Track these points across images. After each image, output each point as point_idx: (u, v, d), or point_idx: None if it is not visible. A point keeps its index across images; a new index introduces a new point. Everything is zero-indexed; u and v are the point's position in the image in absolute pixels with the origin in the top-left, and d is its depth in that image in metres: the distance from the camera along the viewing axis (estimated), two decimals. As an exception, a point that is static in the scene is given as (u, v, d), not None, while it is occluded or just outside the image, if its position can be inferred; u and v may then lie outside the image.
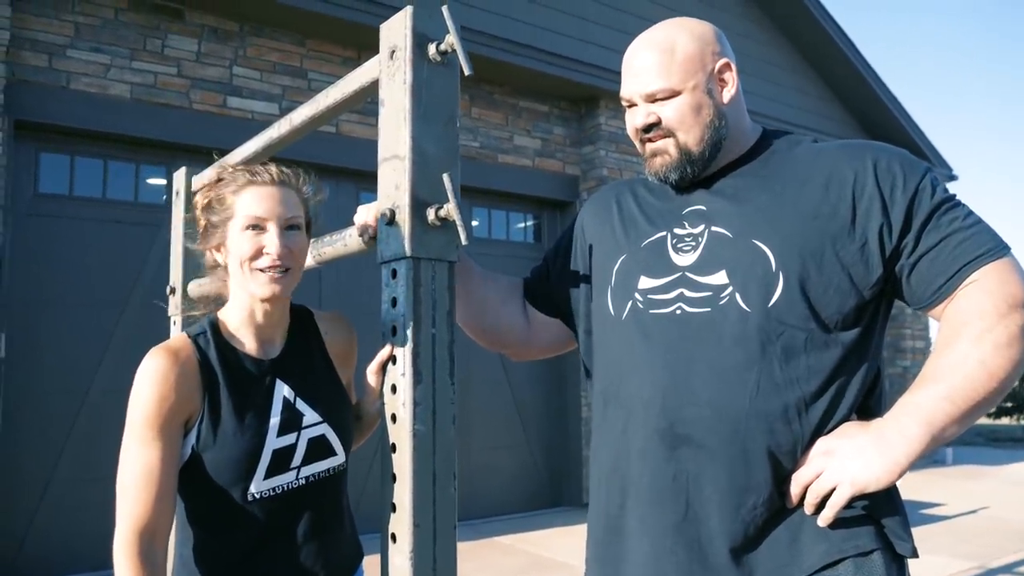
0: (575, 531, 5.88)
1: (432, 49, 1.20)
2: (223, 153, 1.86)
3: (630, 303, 1.36)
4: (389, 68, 1.23)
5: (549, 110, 7.08)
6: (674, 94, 1.33)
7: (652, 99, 1.35)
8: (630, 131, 1.42)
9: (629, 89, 1.39)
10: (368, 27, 5.44)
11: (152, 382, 1.27)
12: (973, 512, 6.67)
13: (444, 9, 1.20)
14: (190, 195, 1.99)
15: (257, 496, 1.32)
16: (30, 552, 4.59)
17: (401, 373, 1.18)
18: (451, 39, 1.18)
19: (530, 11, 6.56)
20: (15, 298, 4.62)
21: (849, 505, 1.19)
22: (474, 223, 6.84)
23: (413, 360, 1.17)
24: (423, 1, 1.42)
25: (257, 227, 1.34)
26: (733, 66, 1.38)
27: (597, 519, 1.39)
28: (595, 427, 1.43)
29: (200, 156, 5.02)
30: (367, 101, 1.42)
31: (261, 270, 1.34)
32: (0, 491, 4.48)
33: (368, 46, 5.71)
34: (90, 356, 4.84)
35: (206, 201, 1.41)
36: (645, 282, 1.35)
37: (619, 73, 1.45)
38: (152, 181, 5.28)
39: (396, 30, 1.22)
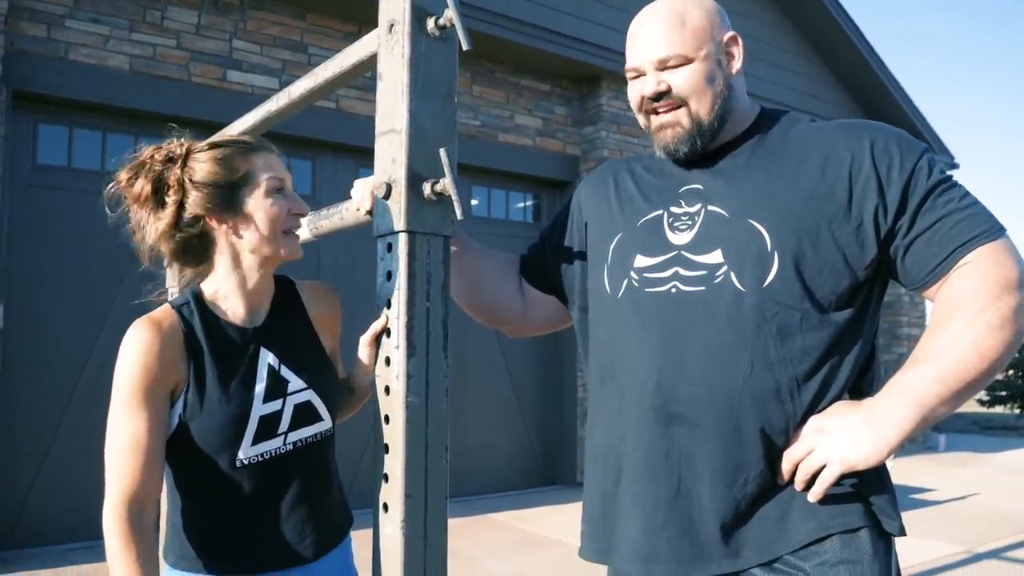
0: (568, 509, 5.93)
1: (431, 23, 1.20)
2: (220, 126, 1.86)
3: (626, 281, 1.36)
4: (388, 42, 1.23)
5: (551, 89, 7.05)
6: (686, 61, 1.32)
7: (663, 66, 1.33)
8: (635, 102, 1.40)
9: (638, 57, 1.36)
10: (369, 1, 5.40)
11: (137, 352, 1.28)
12: (963, 498, 6.72)
13: (443, -17, 1.19)
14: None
15: (245, 462, 1.34)
16: (27, 523, 4.62)
17: (395, 346, 1.19)
18: (450, 13, 1.18)
19: (533, -11, 6.52)
20: (13, 270, 4.63)
21: (838, 483, 1.21)
22: (473, 202, 6.84)
23: (407, 333, 1.17)
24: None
25: (281, 190, 1.40)
26: (740, 40, 1.38)
27: (591, 496, 1.40)
28: (591, 405, 1.44)
29: (199, 129, 4.99)
30: (366, 75, 1.42)
31: (286, 232, 1.39)
32: (0, 461, 4.51)
33: (369, 21, 5.67)
34: (88, 329, 4.85)
35: (212, 170, 1.36)
36: (641, 260, 1.35)
37: (622, 53, 1.44)
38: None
39: (395, 3, 1.22)
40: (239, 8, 5.39)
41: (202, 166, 1.37)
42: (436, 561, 1.17)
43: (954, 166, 10.66)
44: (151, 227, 1.39)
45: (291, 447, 1.39)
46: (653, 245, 1.35)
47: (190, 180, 1.36)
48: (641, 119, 1.41)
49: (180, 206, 1.37)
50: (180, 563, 1.37)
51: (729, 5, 1.64)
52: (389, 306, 1.21)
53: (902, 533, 1.25)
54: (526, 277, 1.64)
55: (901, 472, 7.77)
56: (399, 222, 1.18)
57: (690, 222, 1.33)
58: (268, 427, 1.36)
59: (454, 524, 5.49)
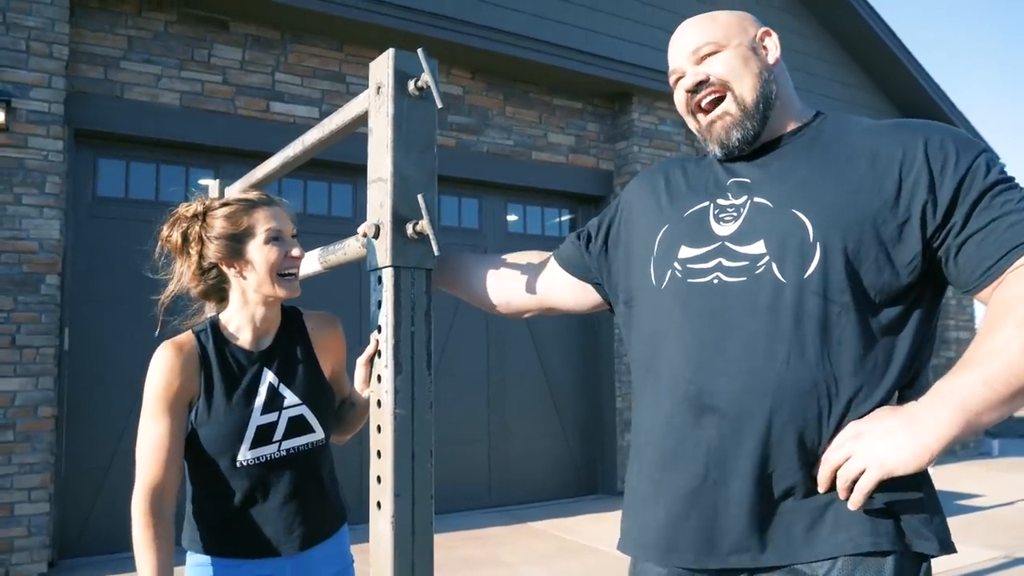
0: (606, 518, 6.05)
1: (411, 85, 1.39)
2: (266, 155, 2.08)
3: (670, 272, 1.36)
4: (376, 102, 1.42)
5: (583, 107, 7.22)
6: (719, 48, 1.36)
7: (698, 58, 1.38)
8: (681, 105, 1.42)
9: (675, 58, 1.41)
10: (402, 32, 5.66)
11: (161, 370, 1.58)
12: (1011, 504, 6.62)
13: (420, 52, 1.38)
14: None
15: (244, 463, 1.61)
16: (93, 531, 4.95)
17: (384, 365, 1.37)
18: (426, 77, 1.37)
19: (563, 10, 6.69)
20: (77, 295, 4.98)
21: (877, 491, 1.16)
22: (510, 218, 7.03)
23: (394, 354, 1.36)
24: (407, 48, 1.60)
25: (278, 238, 1.64)
26: (774, 34, 1.41)
27: (628, 484, 1.42)
28: (635, 396, 1.44)
29: (246, 159, 5.30)
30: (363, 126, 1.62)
31: (283, 276, 1.63)
32: (67, 473, 4.85)
33: (403, 48, 5.92)
34: (145, 350, 5.14)
35: (222, 225, 1.64)
36: (685, 251, 1.35)
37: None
38: (202, 183, 5.59)
39: (381, 69, 1.41)
40: (280, 43, 5.70)
41: (216, 222, 1.65)
42: (423, 553, 1.34)
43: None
44: (184, 272, 1.70)
45: (285, 453, 1.64)
46: (698, 236, 1.35)
47: (206, 235, 1.65)
48: (691, 123, 1.43)
49: (201, 255, 1.66)
50: (192, 545, 1.64)
51: (767, 19, 1.77)
52: (379, 330, 1.39)
53: (943, 552, 1.20)
54: (563, 265, 1.64)
55: (950, 478, 7.68)
56: (385, 258, 1.37)
57: (735, 213, 1.33)
58: (264, 435, 1.61)
59: (495, 532, 5.67)
